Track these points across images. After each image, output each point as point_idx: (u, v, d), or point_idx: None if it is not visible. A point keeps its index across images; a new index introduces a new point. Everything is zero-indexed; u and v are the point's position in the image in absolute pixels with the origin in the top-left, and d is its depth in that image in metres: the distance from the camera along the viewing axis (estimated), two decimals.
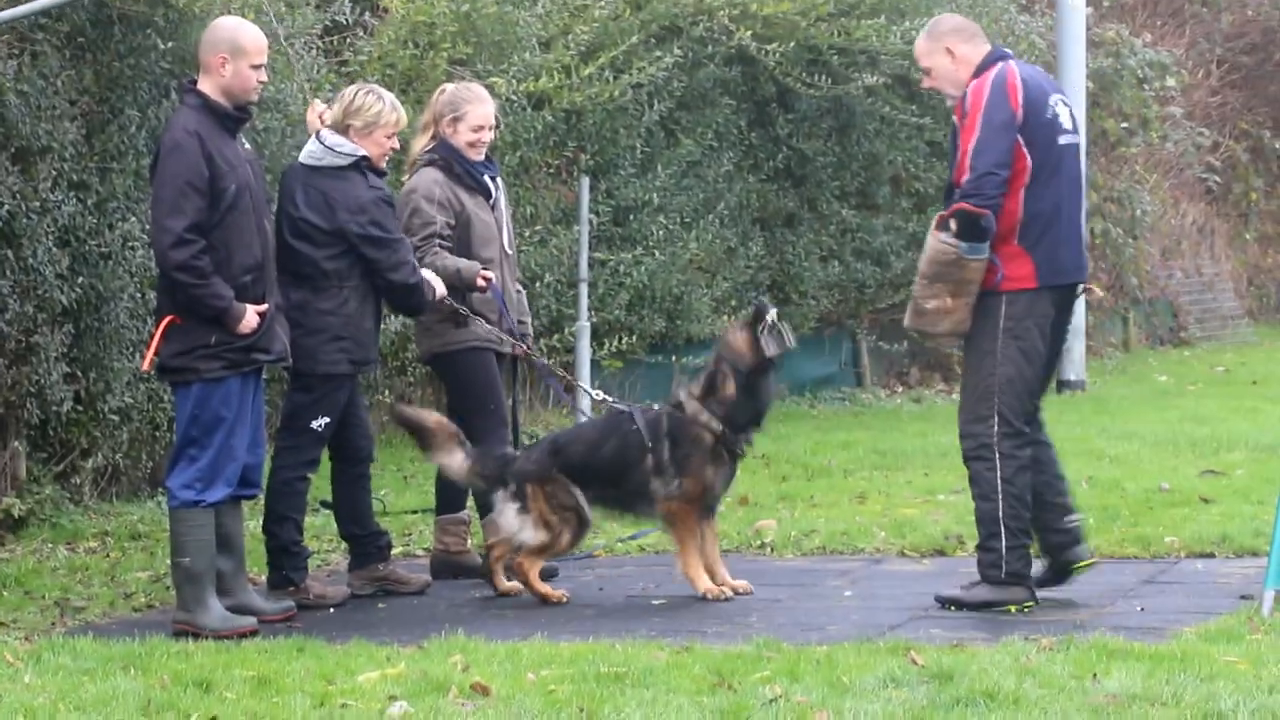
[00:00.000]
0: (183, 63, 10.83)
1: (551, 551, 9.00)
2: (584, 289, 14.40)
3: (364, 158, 9.05)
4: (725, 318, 15.98)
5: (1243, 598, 8.40)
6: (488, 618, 8.62)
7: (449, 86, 9.84)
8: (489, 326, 9.48)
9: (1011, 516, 8.38)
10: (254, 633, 8.30)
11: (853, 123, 17.35)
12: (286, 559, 9.06)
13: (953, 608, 8.45)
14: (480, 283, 9.37)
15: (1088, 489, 11.53)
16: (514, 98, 13.58)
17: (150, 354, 8.42)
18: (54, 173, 10.54)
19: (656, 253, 15.36)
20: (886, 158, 17.74)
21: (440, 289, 9.20)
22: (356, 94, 9.19)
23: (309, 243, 8.95)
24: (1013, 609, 8.38)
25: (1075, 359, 18.39)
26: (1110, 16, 23.68)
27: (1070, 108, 8.59)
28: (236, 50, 8.39)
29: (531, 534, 8.94)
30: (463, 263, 9.37)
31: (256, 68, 8.46)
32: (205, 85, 8.43)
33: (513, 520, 8.97)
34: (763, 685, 6.93)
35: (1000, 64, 8.43)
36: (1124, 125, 22.85)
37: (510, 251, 9.78)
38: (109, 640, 7.99)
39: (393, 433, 13.89)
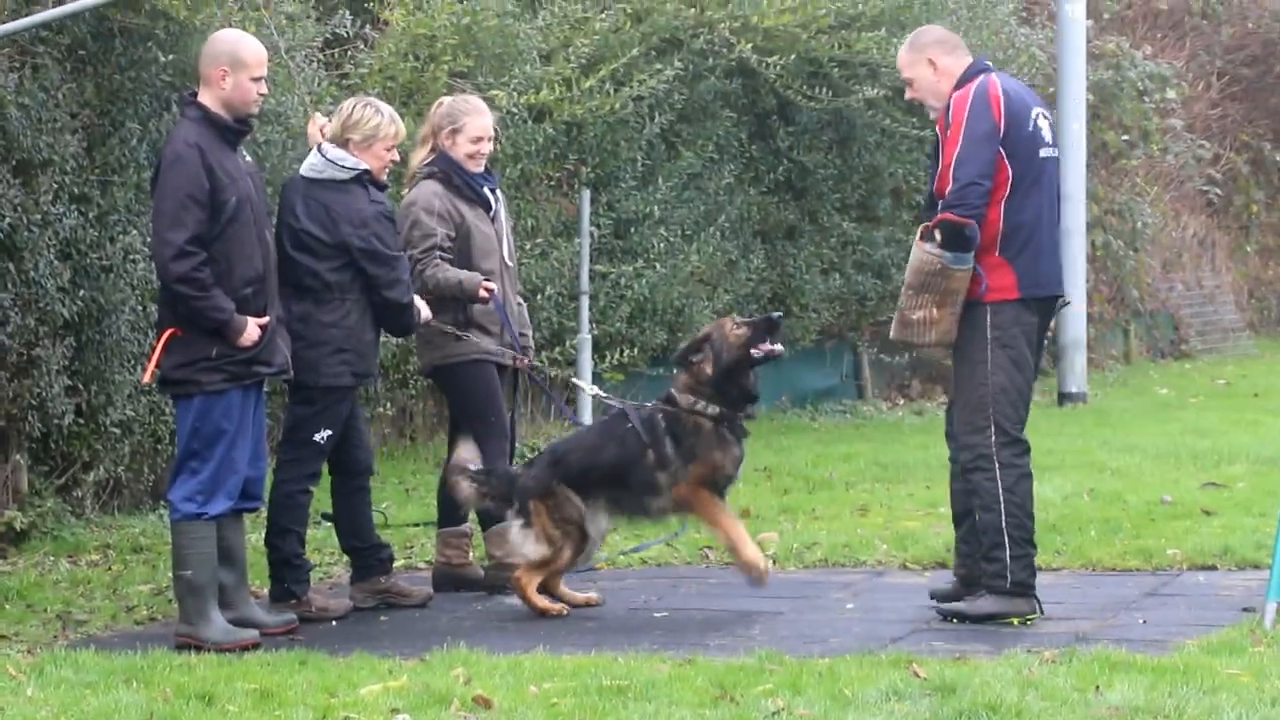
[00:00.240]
0: (183, 76, 10.83)
1: (552, 567, 8.98)
2: (585, 301, 14.40)
3: (365, 171, 9.06)
4: None
5: (1245, 610, 8.39)
6: (490, 630, 8.62)
7: (446, 99, 9.84)
8: (489, 342, 9.48)
9: (1015, 526, 8.37)
10: (256, 645, 8.28)
11: (853, 135, 17.36)
12: (288, 572, 9.05)
13: (955, 620, 8.44)
14: (482, 294, 9.37)
15: (1089, 501, 11.54)
16: (515, 110, 13.59)
17: (151, 366, 8.41)
18: (55, 185, 10.55)
19: (657, 265, 15.37)
20: (887, 170, 17.75)
21: (425, 313, 9.22)
22: (355, 107, 9.19)
23: (311, 255, 8.95)
24: (1015, 621, 8.37)
25: (1076, 371, 18.40)
26: (1111, 29, 23.71)
27: (1050, 121, 8.64)
28: (237, 63, 8.39)
29: (533, 548, 8.93)
30: (464, 275, 9.37)
31: (257, 80, 8.46)
32: (206, 98, 8.43)
33: (517, 536, 8.97)
34: (765, 698, 6.92)
35: (982, 76, 8.47)
36: (1124, 138, 22.88)
37: (511, 263, 9.77)
38: (111, 653, 7.98)
39: (394, 445, 13.91)
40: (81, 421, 10.92)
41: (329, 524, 9.86)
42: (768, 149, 16.88)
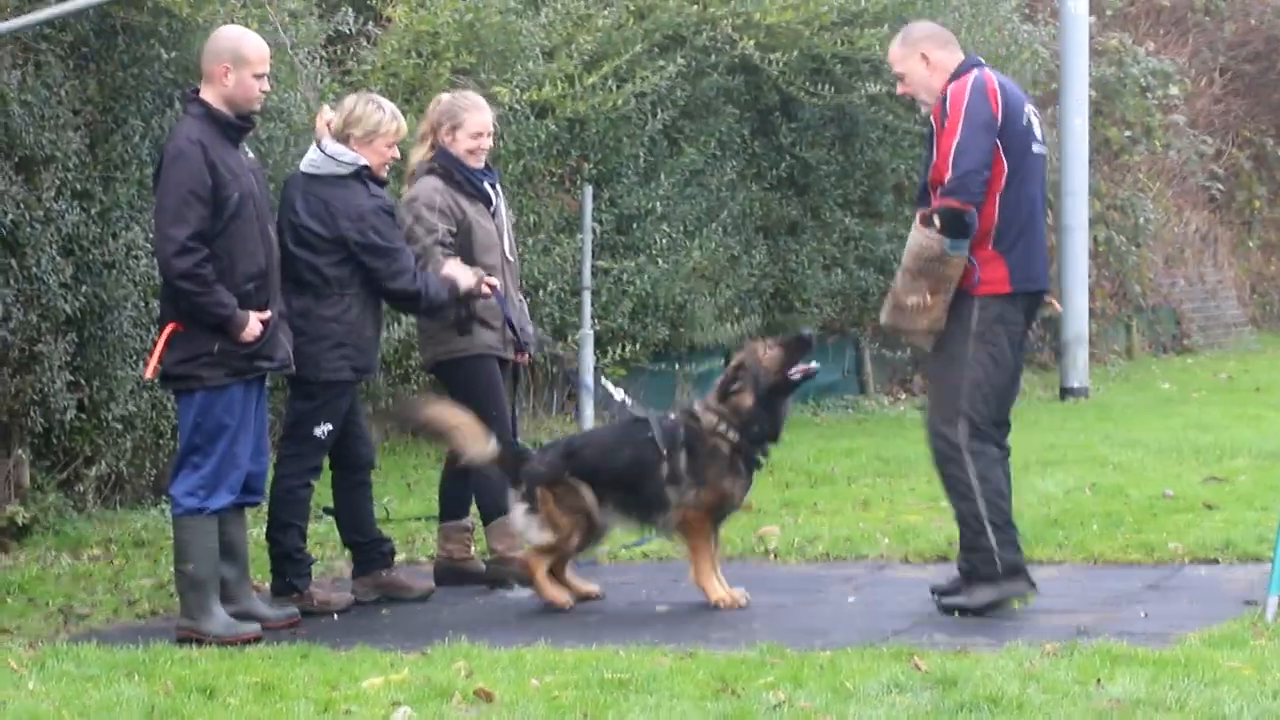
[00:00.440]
0: (186, 72, 10.85)
1: (559, 551, 8.97)
2: (587, 297, 14.38)
3: (365, 167, 9.07)
4: (729, 325, 16.02)
5: (1246, 603, 8.39)
6: (491, 624, 8.62)
7: (445, 96, 9.85)
8: (491, 337, 9.50)
9: (994, 511, 8.40)
10: (258, 639, 8.30)
11: (856, 131, 17.37)
12: (290, 566, 9.06)
13: (959, 614, 8.45)
14: (484, 289, 9.38)
15: (1091, 495, 11.54)
16: (517, 107, 13.60)
17: (153, 362, 8.42)
18: (58, 182, 10.56)
19: (660, 261, 15.37)
20: (889, 166, 17.75)
21: (467, 281, 9.19)
22: (357, 103, 9.20)
23: (310, 250, 8.97)
24: (1015, 603, 8.39)
25: (1079, 366, 18.39)
26: (1113, 25, 23.71)
27: (1040, 118, 8.66)
28: (239, 59, 8.40)
29: (537, 534, 8.93)
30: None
31: (259, 77, 8.46)
32: (208, 94, 8.44)
33: (520, 520, 8.97)
34: (766, 691, 6.93)
35: (976, 70, 8.50)
36: (1127, 133, 22.88)
37: (511, 258, 9.78)
38: (113, 647, 7.99)
39: (396, 440, 13.91)
40: (83, 417, 10.93)
41: (330, 518, 9.87)
42: (770, 145, 16.89)
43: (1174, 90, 23.53)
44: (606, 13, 14.46)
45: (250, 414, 8.48)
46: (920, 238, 8.35)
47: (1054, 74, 19.16)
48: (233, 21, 10.45)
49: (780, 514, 11.32)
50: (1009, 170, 8.40)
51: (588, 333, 14.22)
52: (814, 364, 9.00)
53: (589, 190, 14.39)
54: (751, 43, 15.25)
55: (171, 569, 8.80)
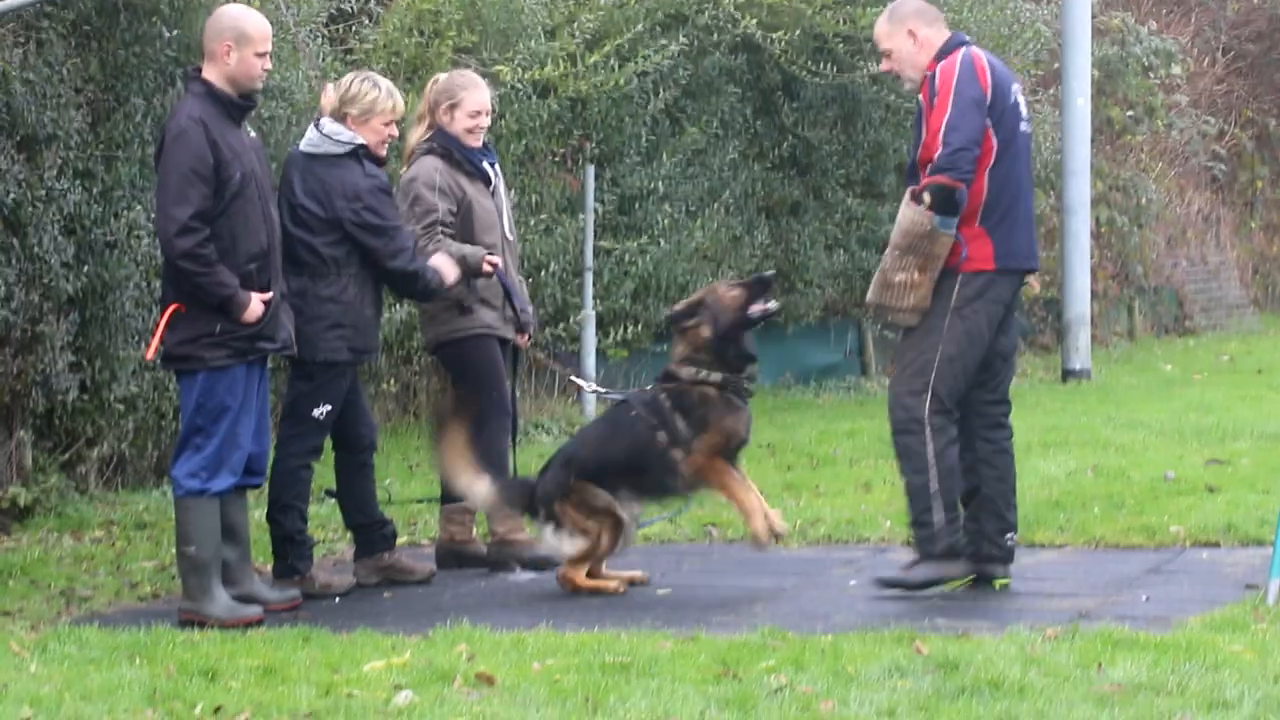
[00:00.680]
0: (188, 51, 10.82)
1: (594, 555, 8.91)
2: (589, 278, 14.40)
3: (362, 146, 9.04)
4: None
5: (1248, 587, 8.39)
6: (493, 607, 8.62)
7: (443, 75, 9.83)
8: (492, 316, 9.50)
9: (946, 490, 8.42)
10: (259, 622, 8.29)
11: (858, 111, 17.33)
12: (291, 548, 9.05)
13: (899, 589, 8.47)
14: (486, 268, 9.37)
15: (1093, 478, 11.53)
16: (519, 86, 13.58)
17: (155, 342, 8.40)
18: (59, 161, 10.55)
19: (662, 241, 15.36)
20: (892, 146, 17.70)
21: (451, 275, 9.18)
22: (353, 82, 9.17)
23: (308, 230, 8.94)
24: (952, 585, 8.42)
25: (1080, 348, 18.36)
26: (1115, 4, 23.64)
27: (1026, 97, 8.67)
28: (241, 38, 8.37)
29: (570, 545, 8.89)
30: (467, 249, 9.37)
31: (261, 55, 8.43)
32: (210, 73, 8.41)
33: (551, 539, 8.95)
34: (768, 675, 6.93)
35: (964, 48, 8.51)
36: (1129, 113, 22.83)
37: (511, 238, 9.77)
38: (115, 629, 7.99)
39: (398, 421, 13.91)
40: (85, 398, 10.92)
41: (332, 500, 9.86)
42: (772, 125, 16.86)
43: (1176, 70, 23.48)
44: None
45: (252, 395, 8.46)
46: (910, 214, 8.35)
47: (1056, 53, 19.11)
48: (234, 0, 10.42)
49: (782, 496, 11.29)
50: (998, 148, 8.41)
51: (590, 313, 14.24)
52: (772, 304, 9.03)
53: (591, 170, 14.40)
54: (754, 21, 15.23)
55: (173, 551, 8.79)
